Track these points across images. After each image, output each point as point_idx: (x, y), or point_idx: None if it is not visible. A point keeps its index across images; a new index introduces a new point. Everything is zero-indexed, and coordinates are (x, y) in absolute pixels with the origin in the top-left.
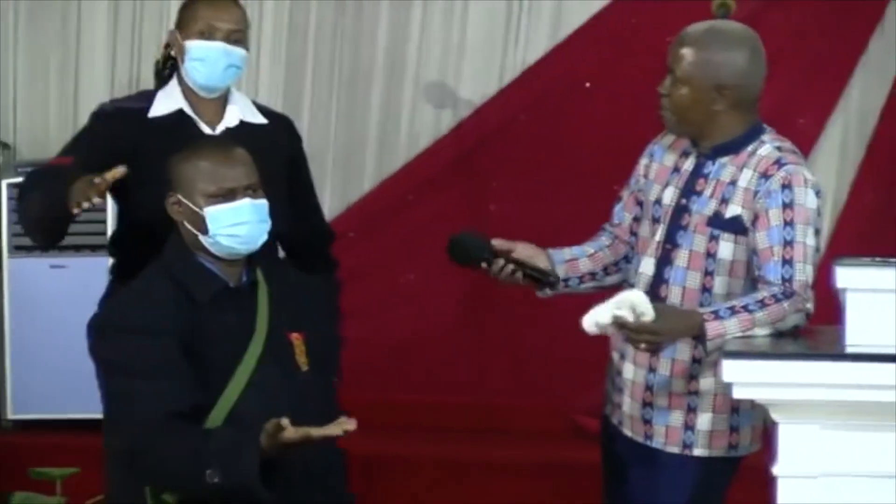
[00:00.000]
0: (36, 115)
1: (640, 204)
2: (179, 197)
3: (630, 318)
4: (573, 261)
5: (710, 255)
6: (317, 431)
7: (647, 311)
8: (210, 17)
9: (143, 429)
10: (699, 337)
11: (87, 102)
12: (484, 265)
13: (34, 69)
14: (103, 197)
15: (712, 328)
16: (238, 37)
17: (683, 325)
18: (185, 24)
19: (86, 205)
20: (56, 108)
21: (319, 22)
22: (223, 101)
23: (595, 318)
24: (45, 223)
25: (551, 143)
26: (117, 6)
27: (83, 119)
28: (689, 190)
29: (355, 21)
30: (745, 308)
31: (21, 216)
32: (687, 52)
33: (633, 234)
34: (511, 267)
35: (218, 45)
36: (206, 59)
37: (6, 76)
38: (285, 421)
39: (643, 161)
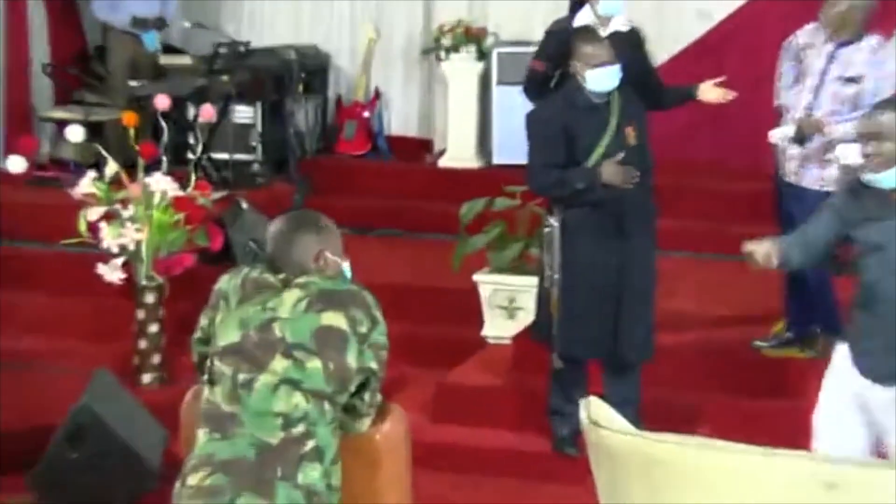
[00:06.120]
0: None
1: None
2: (577, 63)
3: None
4: None
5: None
6: None
7: (790, 133)
8: None
9: (540, 168)
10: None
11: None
12: None
13: None
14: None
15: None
16: None
17: (814, 128)
18: None
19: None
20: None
21: None
22: (608, 19)
23: (778, 137)
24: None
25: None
26: None
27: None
28: (829, 60)
29: None
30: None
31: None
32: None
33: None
34: None
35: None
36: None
37: None
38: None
39: (801, 41)
